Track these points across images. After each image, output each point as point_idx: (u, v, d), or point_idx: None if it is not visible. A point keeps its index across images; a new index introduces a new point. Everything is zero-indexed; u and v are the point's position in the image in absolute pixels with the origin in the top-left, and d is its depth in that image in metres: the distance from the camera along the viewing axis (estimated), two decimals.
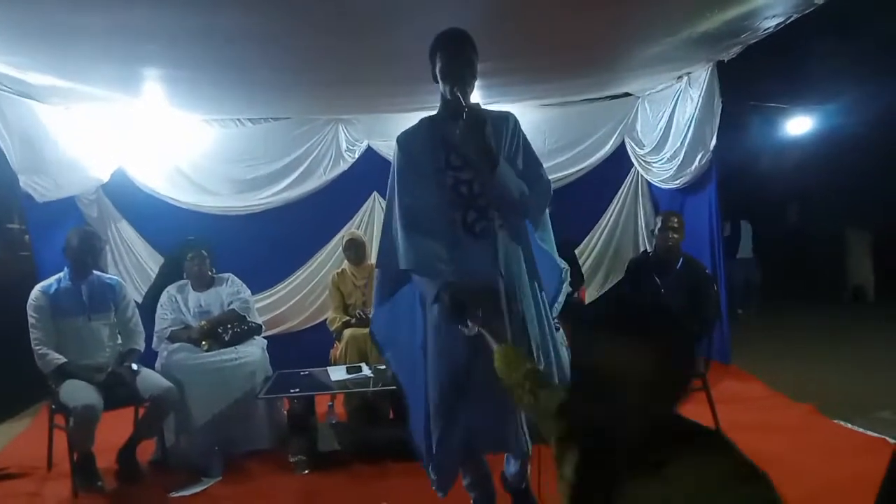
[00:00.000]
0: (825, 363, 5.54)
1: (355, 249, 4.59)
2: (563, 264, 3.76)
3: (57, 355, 3.43)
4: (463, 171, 2.29)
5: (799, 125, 6.57)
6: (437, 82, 2.30)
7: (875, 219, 7.50)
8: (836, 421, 3.87)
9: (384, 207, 6.00)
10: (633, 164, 6.00)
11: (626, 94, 5.89)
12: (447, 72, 2.24)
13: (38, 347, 3.44)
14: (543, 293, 2.48)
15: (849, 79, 6.30)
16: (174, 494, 3.30)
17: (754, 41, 4.38)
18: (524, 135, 2.40)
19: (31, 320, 3.48)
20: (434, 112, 2.42)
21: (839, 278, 6.67)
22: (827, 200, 6.98)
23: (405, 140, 2.37)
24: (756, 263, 7.71)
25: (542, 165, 2.41)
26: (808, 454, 3.40)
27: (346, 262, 4.71)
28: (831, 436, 3.68)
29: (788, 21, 3.91)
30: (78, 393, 3.28)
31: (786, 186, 8.01)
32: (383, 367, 3.96)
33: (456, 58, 2.25)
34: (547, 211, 2.48)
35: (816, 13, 3.73)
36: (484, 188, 2.27)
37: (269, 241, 5.65)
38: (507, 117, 2.38)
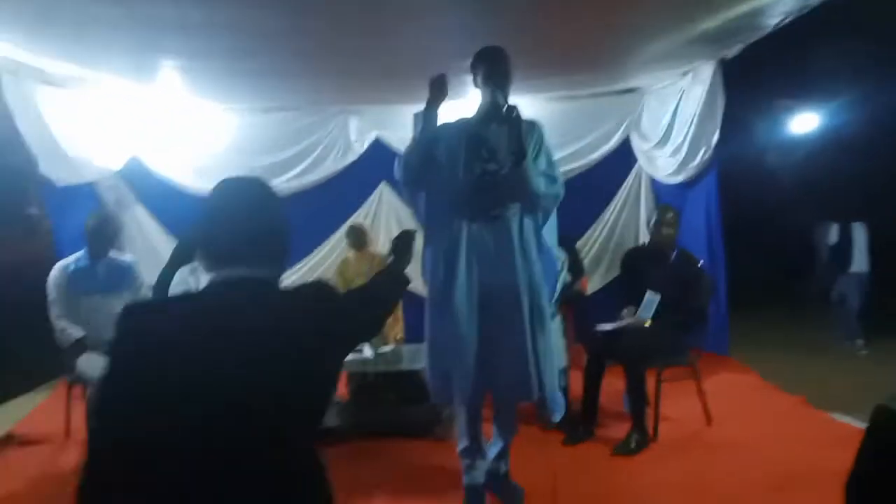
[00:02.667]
0: (824, 357, 5.64)
1: (355, 236, 4.73)
2: (563, 255, 3.92)
3: (75, 329, 3.61)
4: (490, 163, 2.63)
5: (804, 122, 6.57)
6: (479, 88, 2.70)
7: (880, 215, 7.45)
8: (824, 412, 3.94)
9: (391, 198, 6.13)
10: (636, 159, 6.09)
11: (633, 90, 5.98)
12: (488, 78, 2.64)
13: (57, 322, 3.62)
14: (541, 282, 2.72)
15: (854, 75, 6.31)
16: None
17: (757, 39, 4.46)
18: (547, 142, 2.74)
19: (50, 296, 3.66)
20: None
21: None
22: (830, 197, 6.94)
23: (444, 128, 2.68)
24: (869, 279, 5.94)
25: (559, 170, 2.77)
26: (787, 442, 3.49)
27: (349, 250, 4.86)
28: (815, 426, 3.77)
29: (787, 20, 4.00)
30: (95, 365, 3.44)
31: (789, 183, 7.96)
32: (384, 350, 4.12)
33: (496, 67, 2.64)
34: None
35: (820, 10, 3.80)
36: (506, 180, 2.61)
37: None
38: (535, 124, 2.74)
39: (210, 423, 1.21)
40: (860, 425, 3.59)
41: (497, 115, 2.61)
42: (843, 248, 5.98)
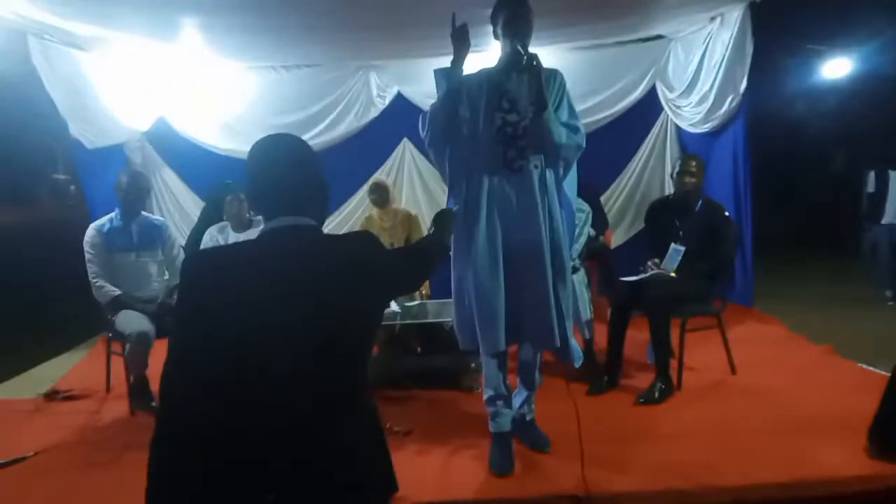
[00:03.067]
0: (853, 309, 5.58)
1: (379, 193, 4.74)
2: (586, 207, 3.90)
3: (112, 287, 3.72)
4: (510, 114, 2.62)
5: (836, 67, 6.32)
6: (499, 39, 2.67)
7: None
8: (851, 361, 3.92)
9: (414, 153, 6.14)
10: (662, 109, 5.97)
11: (659, 37, 5.83)
12: (508, 26, 2.61)
13: (94, 280, 3.73)
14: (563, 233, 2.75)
15: (888, 18, 6.05)
16: None
17: None
18: (568, 91, 2.71)
19: (87, 255, 3.76)
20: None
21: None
22: (864, 145, 6.72)
23: (465, 80, 2.65)
24: None
25: (580, 120, 2.74)
26: (812, 390, 3.49)
27: (372, 207, 4.88)
28: (842, 374, 3.76)
29: None
30: (132, 321, 3.57)
31: (820, 132, 7.72)
32: (411, 304, 4.19)
33: (516, 15, 2.60)
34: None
35: None
36: (526, 131, 2.60)
37: None
38: (556, 73, 2.71)
39: (269, 355, 1.35)
40: (887, 374, 3.58)
41: (517, 64, 2.58)
42: (878, 199, 5.78)
